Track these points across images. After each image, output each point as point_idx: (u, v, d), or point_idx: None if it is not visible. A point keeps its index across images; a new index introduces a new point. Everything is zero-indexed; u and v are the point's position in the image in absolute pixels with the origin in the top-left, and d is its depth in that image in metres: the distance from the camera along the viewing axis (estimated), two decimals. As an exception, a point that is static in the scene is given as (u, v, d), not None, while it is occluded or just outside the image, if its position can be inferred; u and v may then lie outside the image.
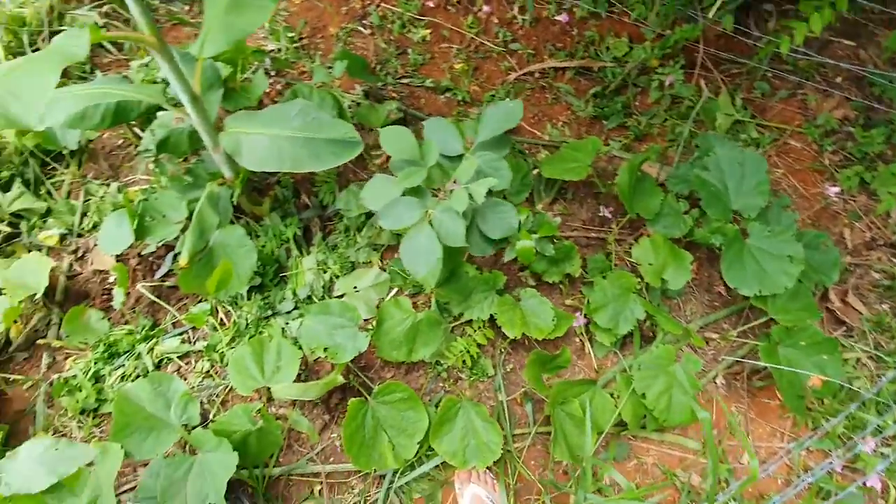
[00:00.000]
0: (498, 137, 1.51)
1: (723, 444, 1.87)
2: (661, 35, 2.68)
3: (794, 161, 2.48)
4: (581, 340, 2.02)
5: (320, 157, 1.62)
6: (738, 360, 1.95)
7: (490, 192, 1.36)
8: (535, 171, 2.24)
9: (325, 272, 2.07)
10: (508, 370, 1.96)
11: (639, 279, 1.90)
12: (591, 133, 2.56)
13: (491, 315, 1.85)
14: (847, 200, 2.38)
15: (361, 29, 2.90)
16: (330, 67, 2.37)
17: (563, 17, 2.88)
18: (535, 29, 2.89)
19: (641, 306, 1.81)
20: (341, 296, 2.00)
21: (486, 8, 2.94)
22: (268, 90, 2.64)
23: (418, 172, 1.35)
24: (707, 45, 2.73)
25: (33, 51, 2.52)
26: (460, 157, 1.48)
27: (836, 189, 2.38)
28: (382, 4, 2.97)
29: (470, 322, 1.93)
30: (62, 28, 2.63)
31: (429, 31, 2.87)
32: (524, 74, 2.74)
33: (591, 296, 1.86)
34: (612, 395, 1.79)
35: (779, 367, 1.68)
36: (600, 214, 2.28)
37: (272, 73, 2.67)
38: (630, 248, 2.14)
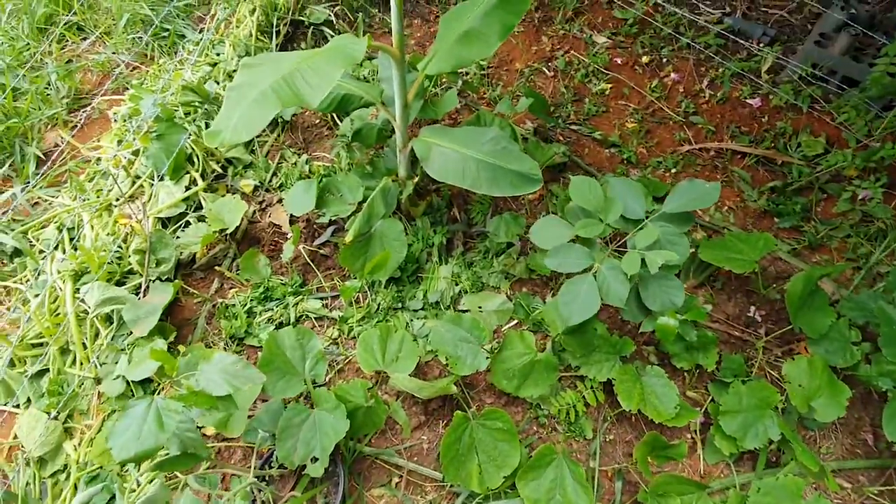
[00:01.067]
0: (683, 213, 1.49)
1: None
2: (867, 146, 2.44)
3: None
4: (693, 439, 1.89)
5: (499, 184, 1.73)
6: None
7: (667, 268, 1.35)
8: (690, 251, 2.16)
9: (456, 284, 2.18)
10: (608, 440, 1.90)
11: (782, 398, 1.74)
12: (758, 227, 2.40)
13: (609, 379, 1.82)
14: None
15: (545, 70, 3.03)
16: (515, 100, 2.51)
17: (755, 102, 2.76)
18: (721, 107, 2.80)
19: (778, 426, 1.65)
20: (466, 311, 2.10)
21: (674, 75, 2.92)
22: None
23: (597, 226, 1.39)
24: (924, 167, 2.43)
25: (276, 32, 3.00)
26: (637, 221, 1.49)
27: None
28: (571, 52, 3.08)
29: (583, 378, 1.90)
30: (301, 19, 3.10)
31: (610, 85, 2.92)
32: (699, 149, 2.66)
33: (723, 398, 1.74)
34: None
35: None
36: (749, 315, 2.12)
37: (459, 94, 2.90)
38: (776, 361, 1.97)
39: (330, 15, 3.10)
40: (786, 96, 2.69)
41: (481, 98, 2.92)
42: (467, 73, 2.97)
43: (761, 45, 2.97)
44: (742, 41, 2.98)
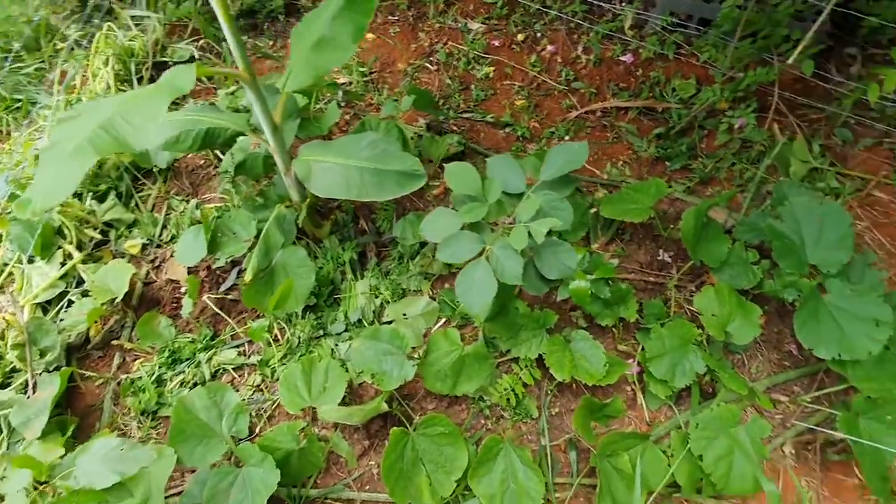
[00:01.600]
0: (561, 178, 1.49)
1: (792, 521, 1.68)
2: (732, 78, 2.59)
3: (879, 214, 2.28)
4: (633, 389, 1.91)
5: (385, 186, 1.67)
6: (810, 429, 1.76)
7: (549, 232, 1.33)
8: (593, 210, 2.19)
9: (376, 297, 2.09)
10: (554, 413, 1.88)
11: (700, 330, 1.78)
12: (652, 174, 2.49)
13: (539, 355, 1.80)
14: (944, 260, 2.14)
15: (428, 65, 3.01)
16: (397, 101, 2.47)
17: (627, 58, 2.86)
18: (598, 69, 2.88)
19: (702, 359, 1.69)
20: (390, 322, 2.02)
21: (550, 48, 2.98)
22: (338, 120, 2.79)
23: (480, 208, 1.36)
24: (782, 88, 2.60)
25: (138, 79, 2.80)
26: (521, 194, 1.47)
27: (931, 247, 2.15)
28: (450, 43, 3.08)
29: (517, 359, 1.88)
30: (164, 60, 2.92)
31: (492, 68, 2.94)
32: (585, 113, 2.72)
33: (648, 344, 1.76)
34: (665, 452, 1.66)
35: (860, 441, 1.50)
36: (659, 258, 2.18)
37: (342, 105, 2.82)
38: (691, 296, 2.02)
39: (194, 51, 2.94)
40: (653, 48, 2.81)
41: (369, 104, 2.85)
42: (350, 84, 2.90)
43: (622, 3, 3.09)
44: (604, 3, 3.09)
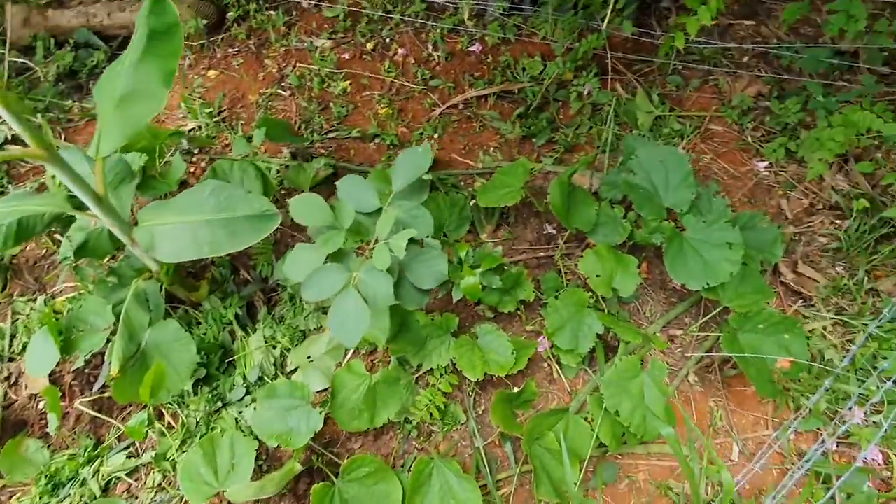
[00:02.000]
0: (414, 184, 1.44)
1: (709, 442, 1.79)
2: (570, 49, 2.72)
3: (719, 144, 2.51)
4: (549, 365, 1.94)
5: (239, 236, 1.53)
6: (705, 355, 1.89)
7: (414, 241, 1.29)
8: (472, 202, 2.20)
9: (274, 348, 1.94)
10: (481, 412, 1.85)
11: (591, 293, 1.85)
12: (522, 153, 2.55)
13: (451, 360, 1.76)
14: (777, 172, 2.41)
15: (281, 92, 2.86)
16: (250, 138, 2.31)
17: (476, 48, 2.91)
18: (451, 63, 2.91)
19: (598, 320, 1.74)
20: (295, 370, 1.88)
21: (401, 51, 2.96)
22: (192, 170, 2.56)
23: (335, 236, 1.28)
24: (615, 49, 2.78)
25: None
26: (379, 210, 1.41)
27: (765, 163, 2.40)
28: (299, 65, 2.95)
29: (432, 371, 1.83)
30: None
31: (348, 82, 2.86)
32: (448, 108, 2.73)
33: (548, 318, 1.79)
34: (586, 418, 1.70)
35: (742, 355, 1.63)
36: (545, 232, 2.23)
37: (195, 152, 2.60)
38: (577, 263, 2.09)
39: (7, 131, 2.55)
40: (496, 34, 2.88)
41: (226, 146, 2.66)
42: (199, 128, 2.68)
43: (460, -4, 3.15)
44: (442, 0, 3.13)
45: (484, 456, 1.74)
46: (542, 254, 2.18)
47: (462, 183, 2.46)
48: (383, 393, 1.68)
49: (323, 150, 2.59)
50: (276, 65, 2.97)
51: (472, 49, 2.92)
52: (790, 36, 2.83)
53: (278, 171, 2.44)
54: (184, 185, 2.27)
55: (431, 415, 1.76)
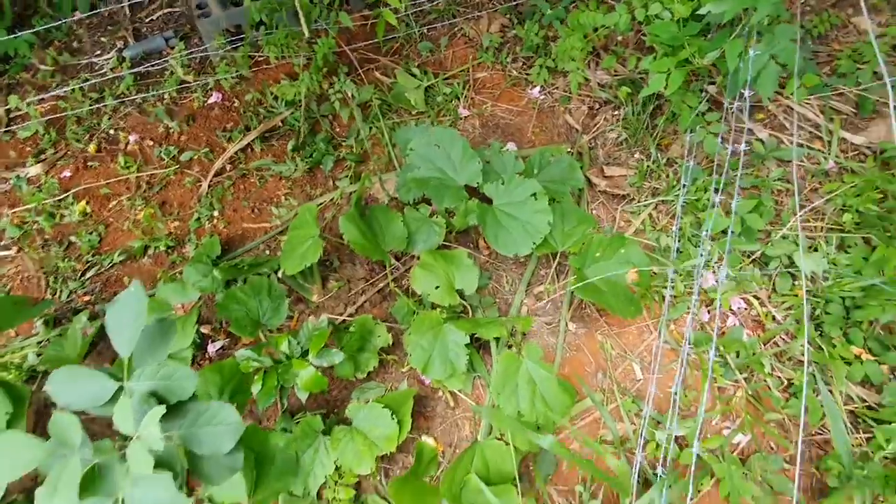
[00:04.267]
0: (151, 335, 1.04)
1: (614, 378, 1.73)
2: (309, 59, 2.41)
3: (492, 89, 2.42)
4: (442, 392, 1.72)
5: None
6: (568, 297, 1.81)
7: (185, 402, 0.93)
8: (281, 274, 1.85)
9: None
10: (400, 487, 1.59)
11: (440, 309, 1.64)
12: (315, 187, 2.22)
13: (334, 463, 1.45)
14: (550, 92, 2.39)
15: (5, 253, 2.18)
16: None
17: (215, 98, 2.47)
18: (196, 126, 2.44)
19: (459, 330, 1.54)
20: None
21: (132, 138, 2.40)
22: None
23: (66, 471, 0.87)
24: (353, 41, 2.54)
25: None
26: (117, 394, 1.00)
27: (537, 89, 2.37)
28: (11, 211, 2.27)
29: (326, 483, 1.50)
30: None
31: (84, 201, 2.26)
32: (215, 177, 2.29)
33: (411, 356, 1.55)
34: (499, 437, 1.51)
35: (589, 282, 1.54)
36: (375, 260, 1.97)
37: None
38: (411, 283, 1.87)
39: None
40: (226, 73, 2.47)
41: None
42: None
43: (174, 49, 2.65)
44: (157, 60, 2.61)
45: (423, 535, 1.49)
46: (382, 284, 1.91)
47: (268, 251, 2.08)
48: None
49: (87, 298, 2.03)
50: (-20, 224, 2.26)
51: (212, 101, 2.47)
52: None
53: (39, 356, 1.84)
54: None
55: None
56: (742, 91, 1.63)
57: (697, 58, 1.78)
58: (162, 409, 0.89)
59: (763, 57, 1.62)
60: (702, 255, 1.75)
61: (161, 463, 0.90)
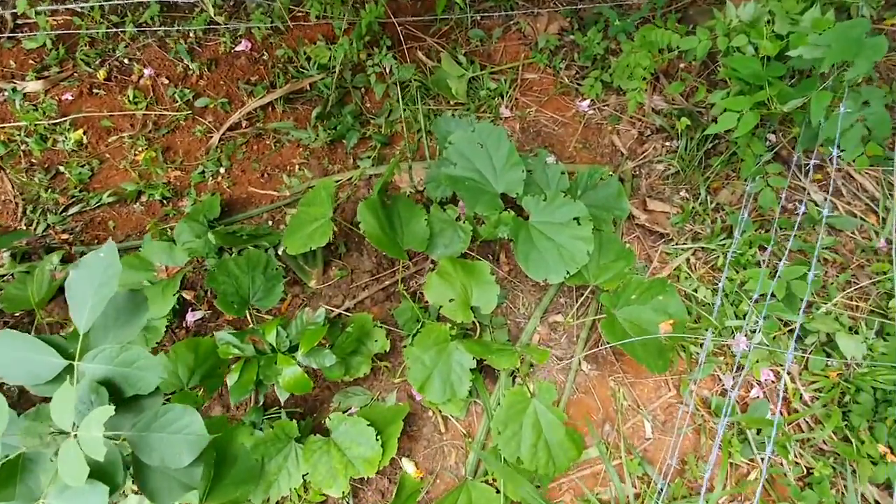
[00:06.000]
0: (120, 308, 0.85)
1: (621, 430, 1.56)
2: (352, 23, 2.21)
3: (539, 93, 2.23)
4: (433, 414, 1.55)
5: None
6: (589, 335, 1.64)
7: (144, 396, 0.75)
8: (281, 251, 1.66)
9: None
10: (370, 511, 1.42)
11: (450, 324, 1.46)
12: (334, 162, 2.03)
13: (304, 477, 1.27)
14: (601, 108, 2.20)
15: (-16, 172, 1.97)
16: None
17: (243, 46, 2.26)
18: (217, 72, 2.22)
19: (467, 351, 1.37)
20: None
21: (147, 72, 2.19)
22: None
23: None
24: (402, 13, 2.33)
25: None
26: (58, 378, 0.78)
27: (587, 102, 2.18)
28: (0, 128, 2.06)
29: (288, 497, 1.33)
30: None
31: (81, 130, 2.05)
32: (228, 130, 2.09)
33: (409, 371, 1.37)
34: (486, 480, 1.34)
35: (626, 341, 1.37)
36: (385, 254, 1.79)
37: None
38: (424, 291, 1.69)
39: None
40: (260, 22, 2.25)
41: None
42: None
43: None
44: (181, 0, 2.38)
45: (386, 570, 1.32)
46: (388, 282, 1.73)
47: (271, 222, 1.89)
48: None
49: (66, 236, 1.82)
50: (-36, 135, 2.04)
51: (239, 49, 2.26)
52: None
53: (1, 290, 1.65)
54: None
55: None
56: (829, 149, 1.45)
57: (775, 102, 1.60)
58: (110, 411, 0.70)
59: (852, 116, 1.44)
60: (744, 320, 1.58)
61: (98, 469, 0.72)
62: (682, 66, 2.22)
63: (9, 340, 0.78)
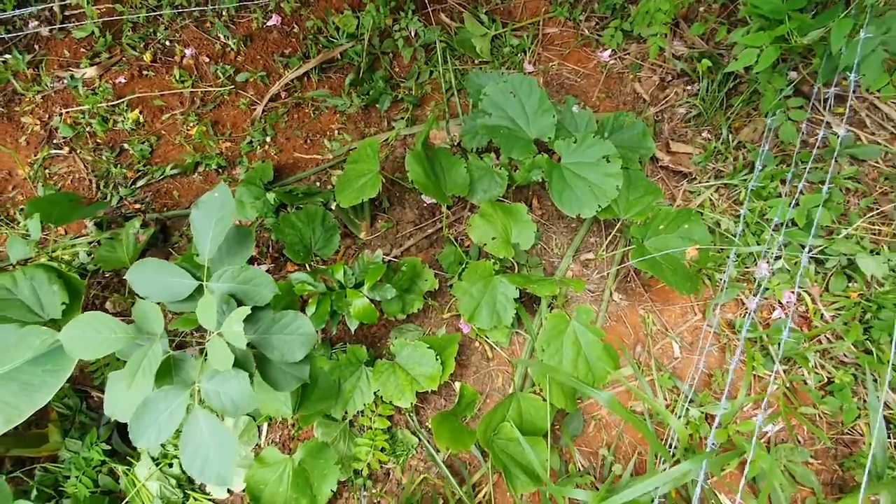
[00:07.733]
0: (230, 241, 1.03)
1: (652, 352, 1.72)
2: (381, -10, 2.30)
3: (561, 47, 2.30)
4: (480, 343, 1.73)
5: (35, 391, 1.06)
6: (620, 267, 1.78)
7: (265, 307, 0.93)
8: (335, 205, 1.83)
9: (170, 465, 1.53)
10: (427, 434, 1.62)
11: (493, 260, 1.62)
12: (369, 125, 2.17)
13: (374, 393, 1.48)
14: (622, 57, 2.27)
15: (57, 151, 2.17)
16: (27, 235, 1.71)
17: (275, 20, 2.38)
18: (253, 47, 2.36)
19: (510, 283, 1.53)
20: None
21: (188, 52, 2.34)
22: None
23: (148, 355, 0.88)
24: (425, -24, 2.40)
25: None
26: (197, 293, 1.00)
27: (608, 52, 2.25)
28: (66, 110, 2.25)
29: (363, 412, 1.54)
30: None
31: (137, 111, 2.23)
32: (270, 102, 2.24)
33: (460, 303, 1.54)
34: (535, 390, 1.53)
35: (650, 257, 1.51)
36: (427, 204, 1.94)
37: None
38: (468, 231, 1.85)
39: None
40: (289, -5, 2.36)
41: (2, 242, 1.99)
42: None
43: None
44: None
45: (447, 471, 1.53)
46: (430, 230, 1.89)
47: (318, 183, 2.06)
48: (314, 468, 1.37)
49: (138, 206, 2.03)
50: (38, 119, 2.24)
51: (271, 23, 2.38)
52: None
53: (91, 255, 1.87)
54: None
55: (380, 461, 1.50)
56: (847, 75, 1.52)
57: (796, 36, 1.66)
58: (247, 310, 0.89)
59: (872, 41, 1.50)
60: (765, 245, 1.70)
61: (237, 361, 0.92)
62: (701, 9, 2.25)
63: (152, 266, 0.97)
